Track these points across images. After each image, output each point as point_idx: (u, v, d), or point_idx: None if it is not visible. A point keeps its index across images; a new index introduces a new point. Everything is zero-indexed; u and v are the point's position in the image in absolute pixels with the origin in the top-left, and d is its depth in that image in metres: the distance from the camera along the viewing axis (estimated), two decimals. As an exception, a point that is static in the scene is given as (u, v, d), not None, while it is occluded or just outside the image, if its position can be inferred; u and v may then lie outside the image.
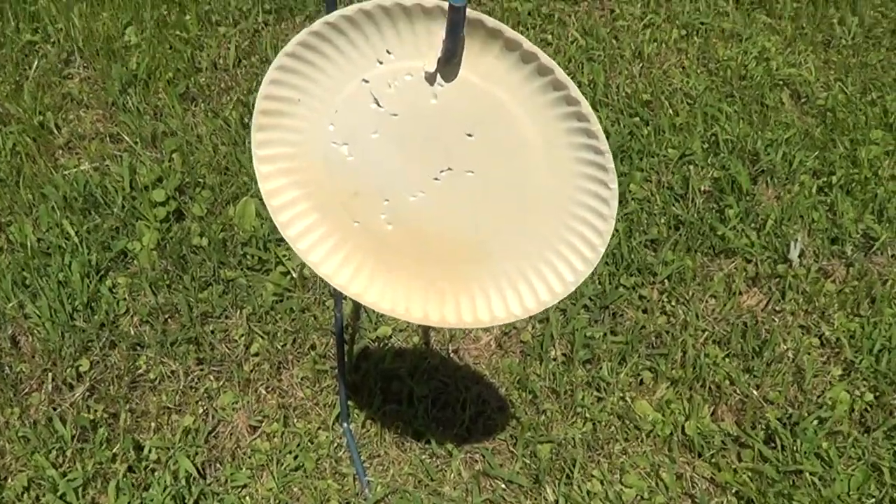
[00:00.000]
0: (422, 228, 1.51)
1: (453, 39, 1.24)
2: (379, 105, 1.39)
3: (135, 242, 2.80)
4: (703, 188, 3.11)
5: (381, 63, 1.36)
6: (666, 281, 2.79)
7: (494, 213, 1.45)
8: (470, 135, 1.37)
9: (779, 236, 2.93)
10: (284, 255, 2.74)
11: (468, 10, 1.20)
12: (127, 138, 3.20)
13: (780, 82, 3.70)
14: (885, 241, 2.95)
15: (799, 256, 2.86)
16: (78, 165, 3.09)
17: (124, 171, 3.00)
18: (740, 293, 2.78)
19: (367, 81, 1.38)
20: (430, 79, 1.33)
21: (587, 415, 2.42)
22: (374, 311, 2.62)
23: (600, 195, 1.37)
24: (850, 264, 2.90)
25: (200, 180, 3.03)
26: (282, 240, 2.79)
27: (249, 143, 3.00)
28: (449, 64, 1.29)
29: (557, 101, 1.29)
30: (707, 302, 2.75)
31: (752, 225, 2.98)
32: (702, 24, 4.03)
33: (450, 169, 1.42)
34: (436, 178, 1.43)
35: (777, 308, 2.75)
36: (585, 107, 1.27)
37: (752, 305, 2.76)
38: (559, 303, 2.52)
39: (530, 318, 2.52)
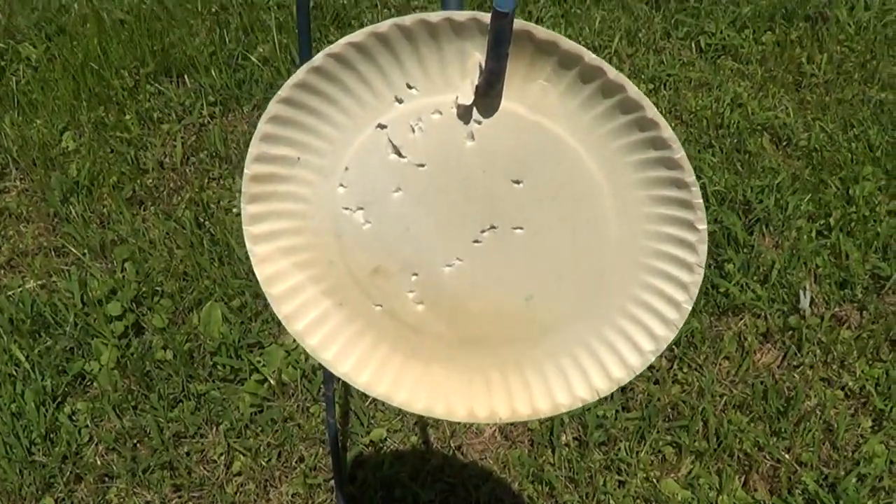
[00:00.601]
0: (460, 305, 1.22)
1: (497, 58, 0.98)
2: (401, 155, 1.11)
3: (92, 363, 2.60)
4: (697, 244, 2.93)
5: (400, 102, 1.08)
6: (674, 347, 2.61)
7: (550, 277, 1.16)
8: (518, 182, 1.09)
9: (785, 286, 2.78)
10: (259, 362, 2.55)
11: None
12: (74, 250, 3.00)
13: (759, 127, 3.57)
14: (895, 279, 2.78)
15: (810, 305, 2.70)
16: (22, 284, 2.89)
17: (73, 285, 2.80)
18: (754, 351, 2.61)
19: (384, 127, 1.10)
20: (465, 115, 1.06)
21: (612, 502, 2.24)
22: (364, 413, 2.41)
23: (685, 240, 1.10)
24: (864, 307, 2.75)
25: (158, 289, 2.82)
26: (254, 345, 2.60)
27: (207, 243, 2.83)
28: (489, 93, 1.02)
29: (627, 126, 1.03)
30: (721, 365, 2.58)
31: (756, 278, 2.82)
32: (668, 75, 3.90)
33: (493, 227, 1.13)
34: (476, 241, 1.15)
35: (795, 363, 2.59)
36: (666, 130, 1.02)
37: (769, 363, 2.60)
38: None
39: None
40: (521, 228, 1.11)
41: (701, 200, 1.04)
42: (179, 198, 3.26)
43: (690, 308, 1.11)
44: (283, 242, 1.22)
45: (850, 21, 4.23)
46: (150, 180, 3.36)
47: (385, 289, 1.21)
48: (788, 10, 4.31)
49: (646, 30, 4.22)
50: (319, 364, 2.41)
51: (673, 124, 3.58)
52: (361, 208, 1.14)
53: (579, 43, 1.05)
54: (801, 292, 2.73)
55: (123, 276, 2.88)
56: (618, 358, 1.19)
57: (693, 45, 4.14)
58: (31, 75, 3.99)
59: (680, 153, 1.02)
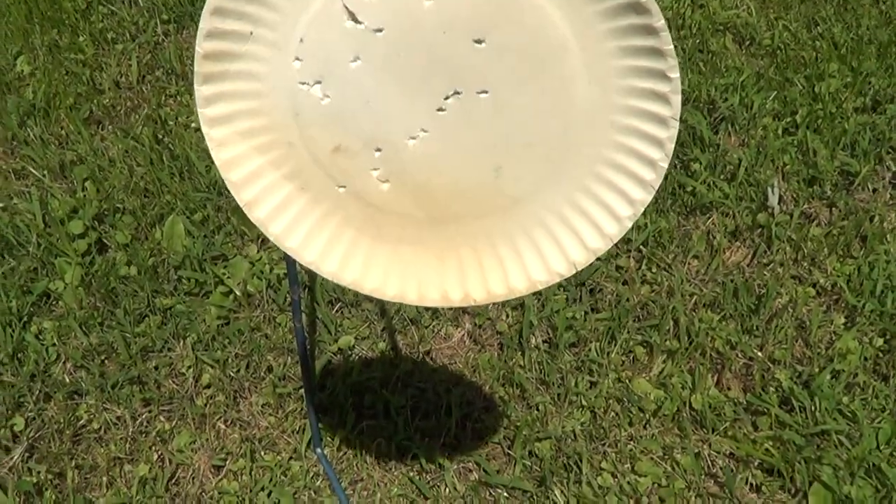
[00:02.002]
0: (427, 180, 1.19)
1: None
2: (357, 21, 1.07)
3: (57, 282, 2.56)
4: (662, 145, 2.91)
5: None
6: (642, 247, 2.59)
7: (518, 144, 1.13)
8: (480, 41, 1.05)
9: (752, 185, 2.76)
10: (224, 274, 2.52)
11: None
12: (33, 171, 2.95)
13: (721, 27, 3.55)
14: (864, 176, 2.80)
15: (778, 203, 2.69)
16: (-17, 207, 2.83)
17: (34, 206, 2.75)
18: (723, 250, 2.60)
19: None
20: None
21: (583, 402, 2.23)
22: (332, 322, 2.39)
23: (658, 92, 1.07)
24: (833, 204, 2.74)
25: (119, 206, 2.78)
26: (217, 257, 2.57)
27: (167, 159, 2.79)
28: None
29: None
30: (690, 264, 2.57)
31: (723, 176, 2.81)
32: (628, -22, 3.84)
33: (457, 93, 1.10)
34: (440, 109, 1.11)
35: (765, 260, 2.58)
36: None
37: (738, 261, 2.59)
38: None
39: (504, 305, 2.33)
40: (485, 92, 1.08)
41: (672, 47, 1.01)
42: (137, 116, 3.21)
43: (666, 166, 1.09)
44: (241, 125, 1.18)
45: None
46: (107, 100, 3.30)
47: (348, 168, 1.18)
48: None
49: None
50: (284, 274, 2.39)
51: (636, 27, 3.55)
52: (319, 82, 1.11)
53: None
54: (770, 190, 2.70)
55: (84, 195, 2.83)
56: (593, 226, 1.16)
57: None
58: (-18, 0, 3.92)
59: None
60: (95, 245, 2.67)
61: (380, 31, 1.06)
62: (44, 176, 2.93)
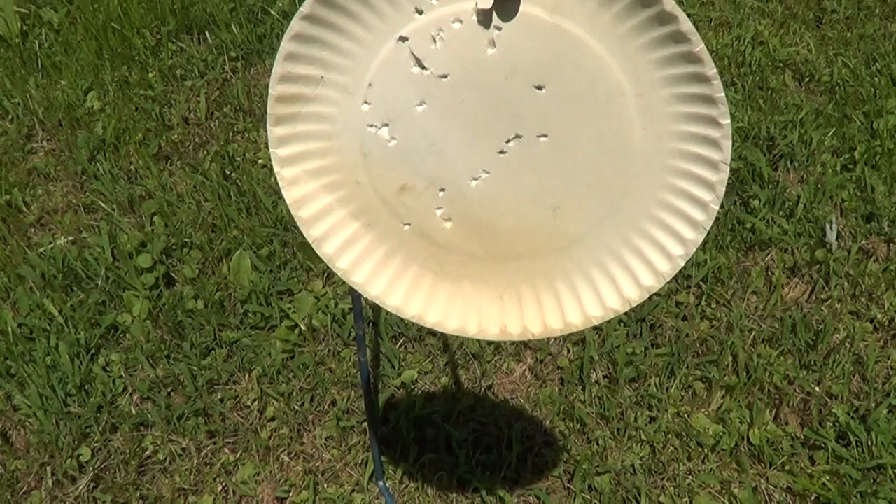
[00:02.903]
0: (488, 219, 1.23)
1: None
2: (423, 67, 1.12)
3: (124, 314, 2.61)
4: (723, 181, 2.92)
5: (420, 13, 1.09)
6: (702, 283, 2.60)
7: (576, 185, 1.17)
8: (540, 87, 1.10)
9: (811, 221, 2.77)
10: (289, 308, 2.56)
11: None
12: (103, 206, 3.00)
13: (781, 64, 3.54)
14: (922, 212, 2.78)
15: (836, 239, 2.69)
16: (53, 241, 2.89)
17: (103, 240, 2.80)
18: (782, 286, 2.61)
19: (405, 39, 1.11)
20: (485, 20, 1.06)
21: (643, 437, 2.24)
22: (395, 356, 2.42)
23: (709, 137, 1.10)
24: (891, 240, 2.74)
25: (187, 240, 2.83)
26: (283, 292, 2.61)
27: (234, 194, 2.84)
28: None
29: (647, 22, 1.02)
30: (749, 300, 2.57)
31: (781, 212, 2.81)
32: (689, 15, 3.84)
33: (518, 136, 1.14)
34: (501, 152, 1.16)
35: (823, 296, 2.58)
36: (685, 23, 1.02)
37: (797, 297, 2.59)
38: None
39: (565, 340, 2.35)
40: (545, 136, 1.12)
41: (723, 94, 1.04)
42: (205, 151, 3.26)
43: (717, 208, 1.12)
44: (311, 164, 1.22)
45: (870, -43, 4.19)
46: (176, 136, 3.36)
47: (413, 207, 1.22)
48: (808, -53, 4.27)
49: (665, -29, 4.17)
50: (349, 308, 2.42)
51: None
52: (386, 125, 1.15)
53: None
54: (828, 226, 2.71)
55: (152, 230, 2.89)
56: (646, 265, 1.19)
57: (713, -16, 4.11)
58: (54, 38, 3.99)
59: (700, 46, 1.02)
60: (163, 279, 2.71)
61: (445, 77, 1.10)
62: (113, 210, 2.98)
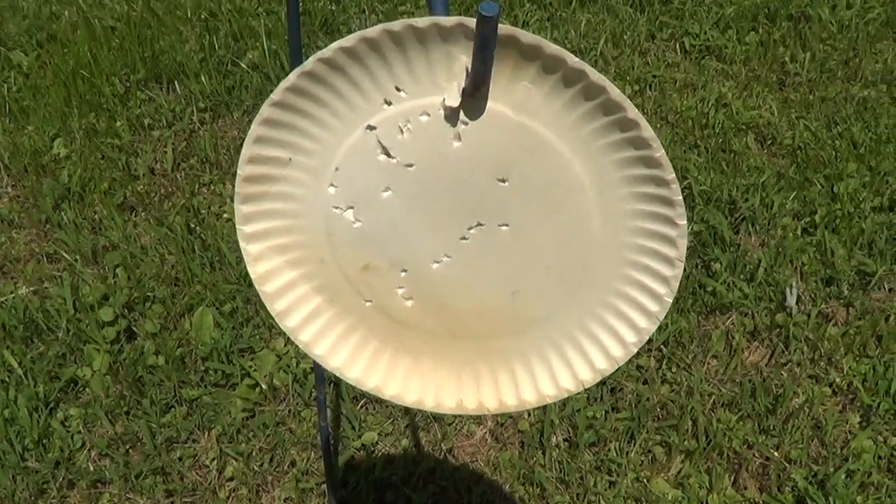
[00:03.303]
0: (449, 300, 1.25)
1: (482, 61, 0.99)
2: (389, 156, 1.12)
3: (85, 368, 2.60)
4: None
5: (389, 104, 1.10)
6: (663, 347, 2.62)
7: (535, 273, 1.19)
8: (503, 180, 1.11)
9: (771, 285, 2.79)
10: (251, 367, 2.55)
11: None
12: (66, 256, 3.00)
13: (743, 126, 3.58)
14: (881, 276, 2.82)
15: (796, 303, 2.71)
16: (14, 290, 2.88)
17: (66, 291, 2.80)
18: (742, 350, 2.62)
19: (373, 128, 1.12)
20: (452, 117, 1.08)
21: (602, 502, 2.25)
22: (355, 417, 2.42)
23: (666, 236, 1.12)
24: (850, 304, 2.76)
25: (150, 294, 2.82)
26: (245, 350, 2.61)
27: (199, 248, 2.84)
28: (475, 94, 1.04)
29: (609, 126, 1.05)
30: (709, 364, 2.59)
31: (742, 276, 2.83)
32: (653, 76, 3.90)
33: (480, 225, 1.16)
34: (463, 238, 1.17)
35: (782, 360, 2.61)
36: (646, 130, 1.04)
37: (757, 361, 2.61)
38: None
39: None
40: (506, 225, 1.13)
41: (680, 197, 1.06)
42: (171, 203, 3.26)
43: (671, 301, 1.14)
44: (276, 241, 1.23)
45: (832, 20, 4.24)
46: (142, 186, 3.36)
47: (375, 285, 1.23)
48: (771, 9, 4.32)
49: (630, 32, 4.22)
50: (311, 368, 2.42)
51: (658, 125, 3.59)
52: (351, 207, 1.16)
53: (565, 46, 1.07)
54: (788, 290, 2.74)
55: (115, 282, 2.88)
56: (601, 350, 1.22)
57: (677, 47, 4.15)
58: (23, 82, 3.99)
59: (659, 152, 1.04)
60: (124, 333, 2.70)
61: (410, 166, 1.12)
62: (76, 261, 2.98)
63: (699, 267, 2.88)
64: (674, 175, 1.05)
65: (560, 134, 1.07)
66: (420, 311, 1.25)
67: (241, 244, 1.24)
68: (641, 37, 4.19)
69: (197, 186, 3.35)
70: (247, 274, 2.74)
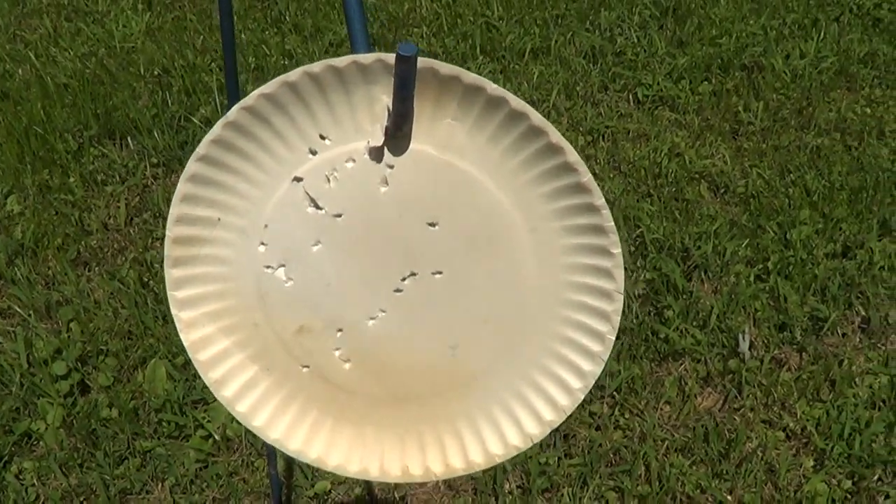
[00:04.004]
0: (387, 358, 1.21)
1: (402, 99, 0.99)
2: (318, 207, 1.11)
3: (38, 422, 2.58)
4: (637, 292, 2.96)
5: (314, 153, 1.09)
6: (615, 393, 2.62)
7: (474, 322, 1.16)
8: (433, 224, 1.10)
9: (724, 331, 2.80)
10: (204, 418, 2.54)
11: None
12: (19, 311, 2.98)
13: (696, 175, 3.60)
14: (833, 321, 2.84)
15: (749, 349, 2.73)
16: (-32, 347, 2.86)
17: (19, 346, 2.79)
18: (695, 396, 2.63)
19: (300, 180, 1.10)
20: (377, 156, 1.08)
21: (556, 548, 2.23)
22: (308, 467, 2.41)
23: (601, 268, 1.11)
24: (803, 349, 2.78)
25: (103, 348, 2.81)
26: (198, 401, 2.60)
27: (152, 302, 2.84)
28: (398, 134, 1.04)
29: (535, 156, 1.04)
30: (662, 409, 2.59)
31: (695, 323, 2.84)
32: (606, 127, 3.93)
33: (413, 274, 1.13)
34: (397, 290, 1.15)
35: (736, 405, 2.61)
36: (571, 154, 1.03)
37: (710, 406, 2.62)
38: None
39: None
40: (440, 273, 1.12)
41: (612, 223, 1.06)
42: (123, 258, 3.25)
43: (613, 338, 1.12)
44: (208, 307, 1.20)
45: (785, 69, 4.28)
46: (95, 241, 3.35)
47: (311, 348, 1.20)
48: (724, 60, 4.36)
49: (583, 83, 4.24)
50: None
51: (611, 175, 3.61)
52: (283, 265, 1.14)
53: (518, 98, 1.06)
54: (741, 336, 2.75)
55: (69, 336, 2.87)
56: (547, 400, 1.19)
57: (630, 97, 4.18)
58: (-24, 140, 3.99)
59: (586, 177, 1.03)
60: (78, 386, 2.69)
61: (339, 216, 1.11)
62: (29, 316, 2.97)
63: (652, 314, 2.89)
64: (603, 201, 1.05)
65: (487, 170, 1.06)
66: (359, 373, 1.22)
67: (173, 311, 1.20)
68: (594, 88, 4.22)
69: (150, 241, 3.34)
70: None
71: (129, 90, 4.21)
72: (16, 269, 3.21)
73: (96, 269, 3.22)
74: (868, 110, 4.03)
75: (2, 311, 3.05)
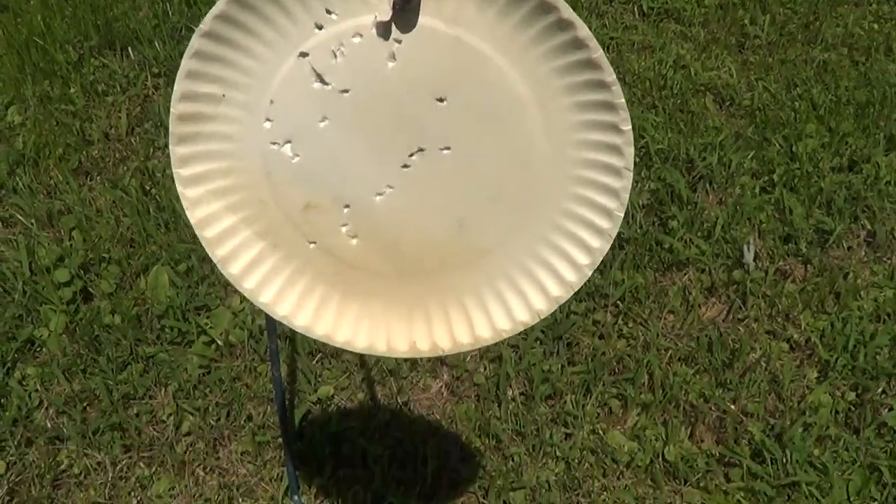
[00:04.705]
0: (394, 234, 1.22)
1: None
2: (324, 82, 1.10)
3: (41, 328, 2.58)
4: (641, 202, 2.95)
5: (320, 28, 1.08)
6: (619, 302, 2.62)
7: (481, 198, 1.17)
8: (442, 100, 1.09)
9: (729, 242, 2.79)
10: (206, 324, 2.54)
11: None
12: (21, 220, 2.97)
13: (702, 88, 3.58)
14: (839, 234, 2.83)
15: (754, 260, 2.72)
16: (-30, 255, 2.85)
17: (21, 254, 2.77)
18: (699, 305, 2.63)
19: (305, 55, 1.10)
20: (384, 32, 1.05)
21: (558, 453, 2.24)
22: (311, 372, 2.41)
23: (611, 145, 1.09)
24: (808, 261, 2.77)
25: (105, 255, 2.80)
26: (201, 307, 2.60)
27: (153, 210, 2.82)
28: (406, 7, 1.03)
29: (546, 31, 1.03)
30: (665, 319, 2.59)
31: (700, 233, 2.83)
32: (611, 38, 3.90)
33: (421, 150, 1.13)
34: (405, 166, 1.14)
35: (740, 316, 2.61)
36: (582, 29, 1.02)
37: (714, 316, 2.61)
38: (510, 339, 2.35)
39: (482, 357, 2.36)
40: (448, 149, 1.11)
41: (623, 100, 1.04)
42: (125, 167, 3.23)
43: (622, 216, 1.12)
44: (214, 184, 1.20)
45: (792, -17, 4.24)
46: (96, 151, 3.33)
47: (318, 225, 1.20)
48: (731, -28, 4.32)
49: (589, -5, 4.20)
50: (265, 321, 2.41)
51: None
52: (289, 142, 1.13)
53: None
54: (745, 247, 2.74)
55: (71, 245, 2.86)
56: (554, 276, 1.19)
57: (635, 9, 4.14)
58: (-24, 52, 3.96)
59: (598, 52, 1.02)
60: (80, 293, 2.69)
61: (346, 91, 1.09)
62: (31, 224, 2.96)
63: (656, 224, 2.88)
64: (614, 77, 1.04)
65: (497, 45, 1.05)
66: (366, 249, 1.22)
67: (179, 188, 1.20)
68: (599, 0, 4.18)
69: (151, 150, 3.32)
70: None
71: (129, 1, 4.17)
72: (17, 178, 3.19)
73: (98, 178, 3.20)
74: (876, 26, 4.00)
75: (4, 219, 3.04)
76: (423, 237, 1.20)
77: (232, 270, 1.26)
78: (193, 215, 1.24)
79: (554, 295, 1.21)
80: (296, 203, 1.20)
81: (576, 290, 1.20)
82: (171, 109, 1.14)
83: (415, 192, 1.16)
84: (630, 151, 1.09)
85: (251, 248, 1.26)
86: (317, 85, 1.10)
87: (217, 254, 1.26)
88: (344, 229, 1.20)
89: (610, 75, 1.03)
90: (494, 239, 1.19)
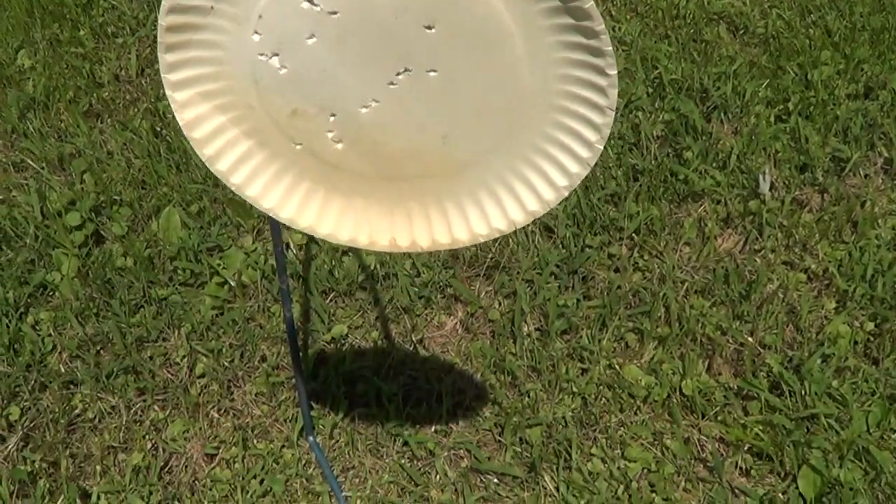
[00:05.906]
0: (378, 144, 1.27)
1: None
2: (312, 3, 1.12)
3: (54, 273, 2.58)
4: (655, 133, 2.92)
5: None
6: (634, 235, 2.60)
7: (465, 118, 1.21)
8: (430, 27, 1.11)
9: (744, 172, 2.77)
10: (219, 265, 2.54)
11: None
12: (32, 164, 2.96)
13: (715, 16, 3.54)
14: (856, 162, 2.80)
15: (770, 189, 2.69)
16: (-19, 200, 2.85)
17: (32, 198, 2.77)
18: (715, 237, 2.61)
19: None
20: None
21: (574, 389, 2.24)
22: (325, 311, 2.40)
23: (596, 84, 1.11)
24: (824, 190, 2.75)
25: (117, 198, 2.79)
26: (213, 248, 2.59)
27: (164, 151, 2.81)
28: None
29: None
30: (681, 251, 2.58)
31: (715, 164, 2.81)
32: (624, -32, 3.85)
33: (407, 70, 1.16)
34: (391, 83, 1.18)
35: (756, 247, 2.59)
36: None
37: (730, 248, 2.60)
38: (525, 273, 2.34)
39: (496, 293, 2.34)
40: (434, 71, 1.15)
41: (611, 48, 1.06)
42: (136, 109, 3.22)
43: (602, 148, 1.16)
44: (203, 87, 1.26)
45: None
46: (107, 93, 3.32)
47: (304, 129, 1.26)
48: None
49: (601, -76, 4.16)
50: (275, 261, 2.40)
51: (628, 17, 3.55)
52: (277, 54, 1.17)
53: None
54: (761, 176, 2.71)
55: (82, 188, 2.85)
56: (532, 192, 1.25)
57: (649, -62, 4.10)
58: (-17, -5, 3.94)
59: (589, 3, 1.03)
60: (92, 237, 2.68)
61: (334, 13, 1.11)
62: (42, 168, 2.95)
63: (670, 155, 2.85)
64: (603, 26, 1.05)
65: None
66: (350, 153, 1.28)
67: (168, 92, 1.27)
68: (612, -71, 4.14)
69: (162, 91, 3.27)
70: (213, 174, 2.73)
71: (137, -59, 4.15)
72: (28, 122, 3.18)
73: (108, 120, 3.19)
74: (891, -51, 3.95)
75: (15, 164, 3.03)
76: (406, 147, 1.26)
77: (220, 167, 1.34)
78: (182, 117, 1.31)
79: (531, 209, 1.28)
80: (283, 109, 1.25)
81: (551, 207, 1.26)
82: (160, 21, 1.18)
83: (400, 108, 1.21)
84: (614, 93, 1.12)
85: (239, 146, 1.33)
86: (305, 4, 1.13)
87: (205, 152, 1.33)
88: (329, 135, 1.27)
89: (599, 24, 1.08)
90: (476, 154, 1.25)
